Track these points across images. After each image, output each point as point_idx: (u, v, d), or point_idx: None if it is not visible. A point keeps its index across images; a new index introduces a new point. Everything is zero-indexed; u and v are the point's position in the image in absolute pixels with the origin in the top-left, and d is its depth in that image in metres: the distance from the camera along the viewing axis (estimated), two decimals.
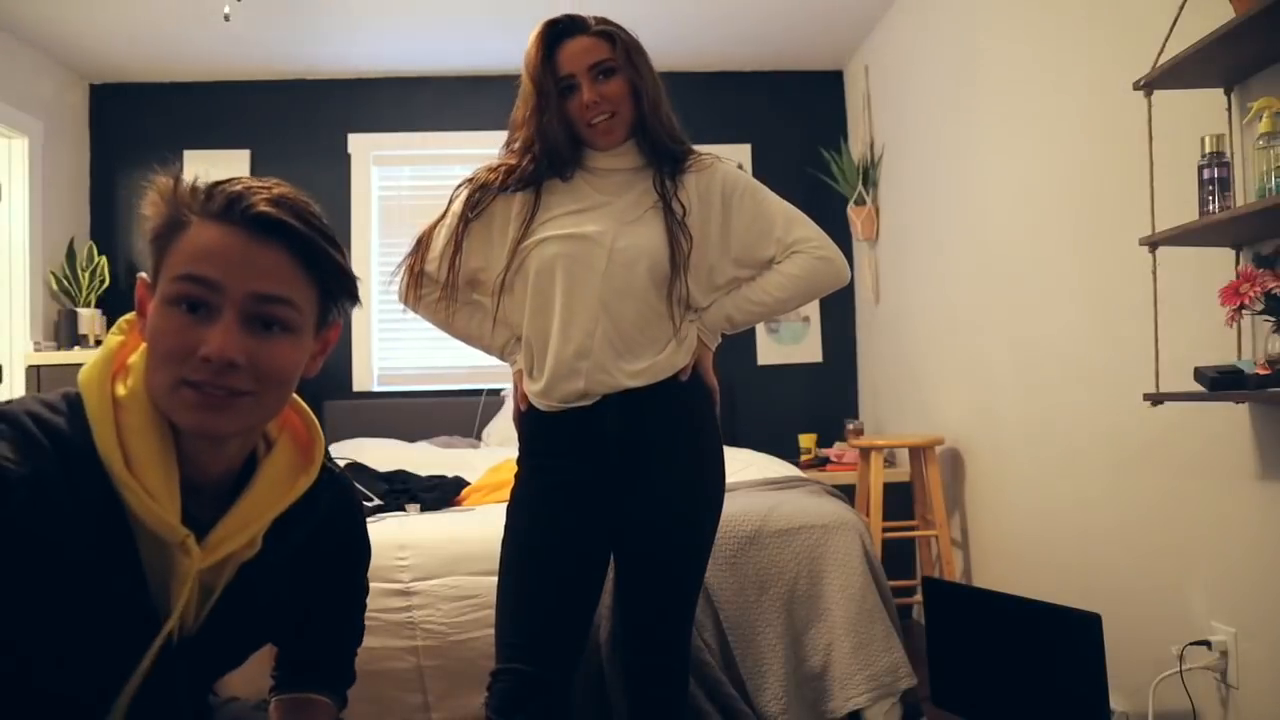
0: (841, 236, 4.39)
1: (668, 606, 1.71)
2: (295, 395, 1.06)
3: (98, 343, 3.94)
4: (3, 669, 0.90)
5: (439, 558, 2.24)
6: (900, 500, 3.57)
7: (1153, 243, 1.89)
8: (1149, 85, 1.89)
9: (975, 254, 3.15)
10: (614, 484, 1.63)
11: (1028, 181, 2.77)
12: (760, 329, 4.40)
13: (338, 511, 1.15)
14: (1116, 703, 2.16)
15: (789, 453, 3.90)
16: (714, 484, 1.70)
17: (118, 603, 0.92)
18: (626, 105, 1.62)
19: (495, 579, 1.67)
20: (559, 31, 1.62)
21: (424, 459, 3.33)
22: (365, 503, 2.51)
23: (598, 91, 1.60)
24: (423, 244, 1.72)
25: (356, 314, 4.32)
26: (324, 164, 4.40)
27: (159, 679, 0.98)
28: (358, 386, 4.34)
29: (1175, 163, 1.92)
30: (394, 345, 4.44)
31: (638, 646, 1.74)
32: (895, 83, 3.87)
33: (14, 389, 3.77)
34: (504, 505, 1.72)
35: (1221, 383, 1.72)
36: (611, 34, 1.63)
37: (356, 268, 3.93)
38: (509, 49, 4.06)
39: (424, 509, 2.58)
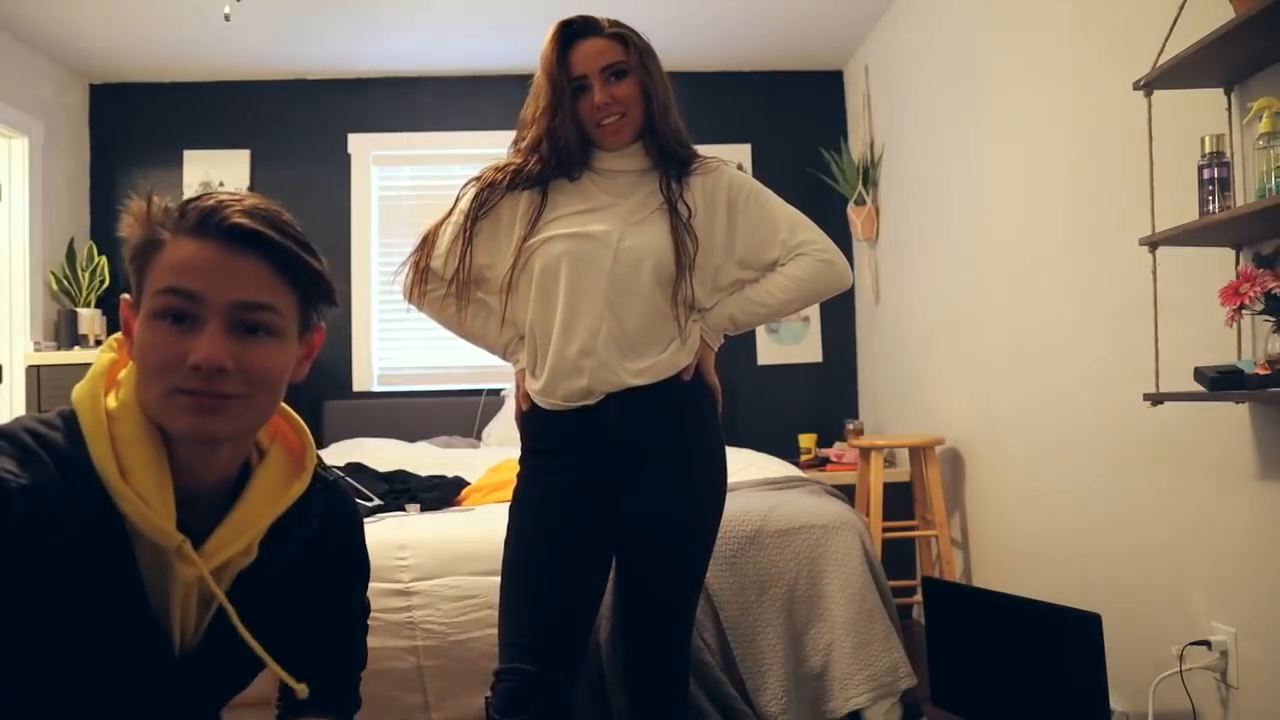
0: (841, 236, 4.39)
1: (669, 606, 1.71)
2: (287, 406, 1.09)
3: (98, 343, 3.95)
4: (4, 680, 0.90)
5: (439, 558, 2.24)
6: (900, 500, 3.57)
7: (1153, 243, 1.89)
8: (1149, 85, 1.89)
9: (975, 254, 3.15)
10: (616, 484, 1.63)
11: (1028, 181, 2.77)
12: (760, 329, 4.40)
13: (336, 520, 1.15)
14: (1116, 703, 2.16)
15: (789, 453, 3.90)
16: (716, 484, 1.70)
17: (118, 613, 0.93)
18: (637, 107, 1.64)
19: (495, 579, 1.67)
20: (573, 32, 1.63)
21: (424, 459, 3.33)
22: (365, 503, 2.52)
23: (609, 93, 1.61)
24: (428, 241, 1.73)
25: (357, 314, 4.34)
26: (324, 164, 4.40)
27: (161, 692, 0.98)
28: (358, 386, 4.34)
29: (1175, 163, 1.92)
30: (394, 345, 4.44)
31: (638, 646, 1.74)
32: (895, 83, 3.87)
33: (14, 389, 3.78)
34: (504, 505, 1.72)
35: (1221, 383, 1.72)
36: (625, 36, 1.64)
37: (356, 268, 3.93)
38: (509, 49, 4.09)
39: (424, 509, 2.58)
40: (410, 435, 3.91)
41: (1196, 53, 1.71)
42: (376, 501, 2.57)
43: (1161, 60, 1.83)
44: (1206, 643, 1.96)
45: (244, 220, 0.94)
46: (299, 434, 1.10)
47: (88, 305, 4.04)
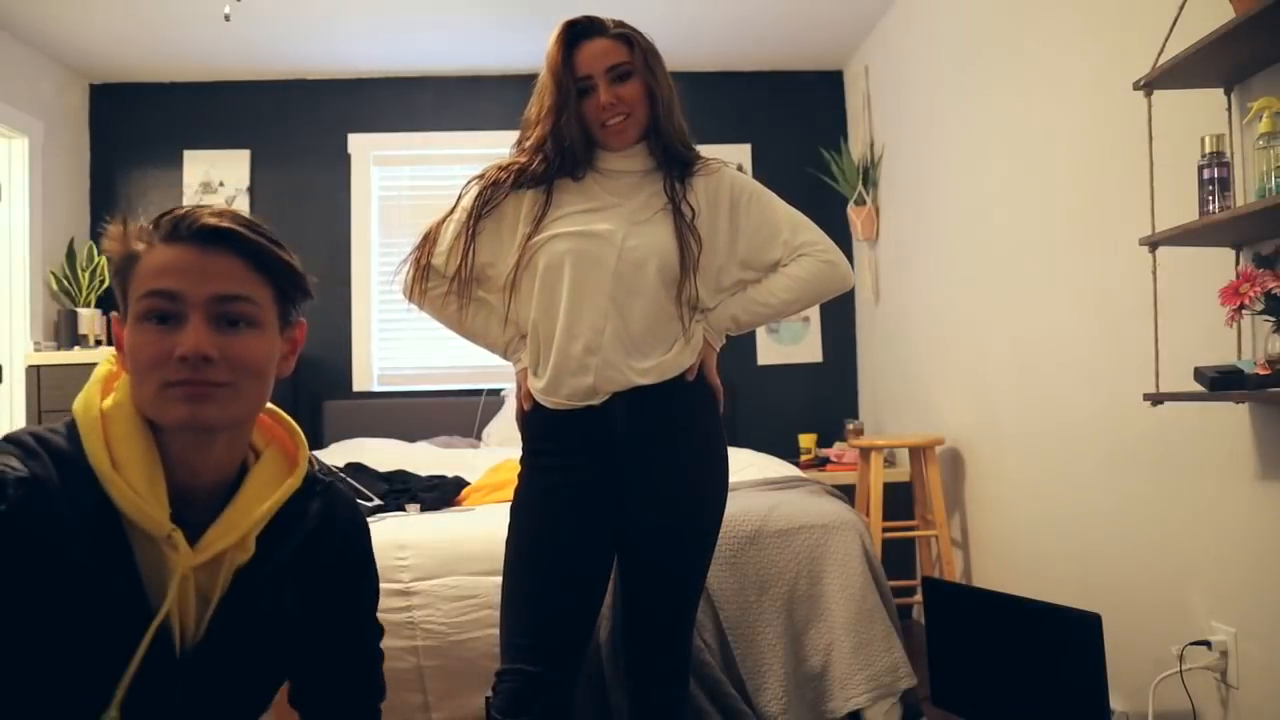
0: (841, 236, 4.39)
1: (670, 606, 1.71)
2: (282, 411, 1.14)
3: (98, 343, 3.95)
4: (4, 676, 0.92)
5: (439, 558, 2.24)
6: (900, 500, 3.57)
7: (1153, 243, 1.89)
8: (1149, 85, 1.89)
9: (975, 254, 3.15)
10: (618, 484, 1.63)
11: (1027, 181, 2.77)
12: (760, 329, 4.40)
13: (336, 523, 1.16)
14: (1116, 703, 2.16)
15: (789, 453, 3.90)
16: (718, 484, 1.70)
17: (116, 604, 0.95)
18: (641, 108, 1.64)
19: (495, 579, 1.67)
20: (578, 32, 1.63)
21: (424, 459, 3.33)
22: (365, 503, 2.52)
23: (614, 93, 1.61)
24: (429, 239, 1.72)
25: (357, 314, 4.34)
26: (324, 164, 4.40)
27: (162, 691, 0.99)
28: (358, 386, 4.34)
29: (1175, 163, 1.92)
30: (394, 345, 4.44)
31: (639, 646, 1.74)
32: (895, 83, 3.87)
33: (14, 389, 3.77)
34: (504, 505, 1.72)
35: (1221, 383, 1.72)
36: (630, 37, 1.64)
37: (356, 268, 3.93)
38: (509, 49, 4.09)
39: (424, 509, 2.58)
40: (410, 435, 3.91)
41: (1196, 53, 1.71)
42: (376, 501, 2.57)
43: (1161, 60, 1.83)
44: (1206, 643, 1.96)
45: (214, 220, 1.00)
46: (293, 436, 1.14)
47: (88, 305, 4.04)
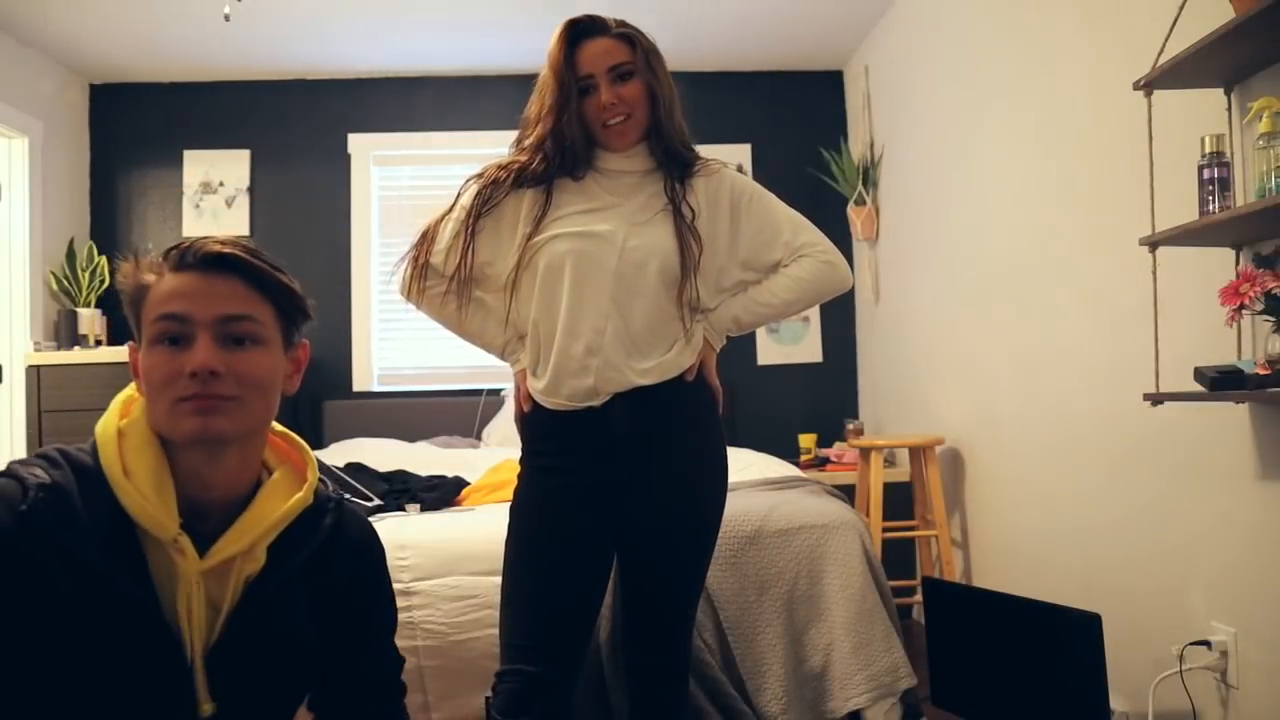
0: (841, 236, 4.39)
1: (670, 606, 1.71)
2: (292, 433, 1.21)
3: (98, 343, 3.96)
4: (17, 672, 0.96)
5: (439, 558, 2.24)
6: (900, 500, 3.57)
7: (1153, 243, 1.89)
8: (1149, 85, 1.89)
9: (975, 254, 3.15)
10: (618, 484, 1.63)
11: (1027, 181, 2.77)
12: (760, 329, 4.40)
13: (348, 541, 1.20)
14: (1116, 703, 2.16)
15: (789, 453, 3.90)
16: (717, 484, 1.70)
17: (127, 606, 1.00)
18: (642, 108, 1.64)
19: (495, 579, 1.67)
20: (580, 31, 1.63)
21: (424, 459, 3.33)
22: (365, 503, 2.52)
23: (615, 93, 1.61)
24: (428, 237, 1.72)
25: (357, 314, 4.34)
26: (324, 164, 4.40)
27: (174, 698, 1.02)
28: (358, 386, 4.34)
29: (1175, 163, 1.92)
30: (394, 345, 4.44)
31: (639, 646, 1.74)
32: (895, 83, 3.87)
33: (14, 389, 3.77)
34: (504, 505, 1.72)
35: (1221, 383, 1.72)
36: (632, 37, 1.64)
37: (356, 268, 3.94)
38: (509, 49, 4.09)
39: (424, 509, 2.58)
40: (410, 435, 3.91)
41: (1196, 53, 1.71)
42: (376, 501, 2.57)
43: (1161, 60, 1.83)
44: (1206, 643, 1.96)
45: (218, 247, 1.07)
46: (301, 453, 1.20)
47: (88, 305, 4.04)
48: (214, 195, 4.34)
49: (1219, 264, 1.88)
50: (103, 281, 4.09)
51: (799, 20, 3.95)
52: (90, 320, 3.98)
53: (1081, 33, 2.43)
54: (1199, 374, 1.77)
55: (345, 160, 4.42)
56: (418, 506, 2.59)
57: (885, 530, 3.26)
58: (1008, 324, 2.93)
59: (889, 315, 4.02)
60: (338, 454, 3.37)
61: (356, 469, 2.92)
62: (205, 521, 1.05)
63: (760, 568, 2.26)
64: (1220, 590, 1.98)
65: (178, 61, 4.17)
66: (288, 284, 1.12)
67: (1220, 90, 1.87)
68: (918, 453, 3.41)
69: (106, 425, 1.07)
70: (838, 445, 4.07)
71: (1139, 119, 1.97)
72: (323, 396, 4.21)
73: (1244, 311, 1.69)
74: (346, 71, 4.37)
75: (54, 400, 3.68)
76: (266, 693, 1.12)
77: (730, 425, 4.21)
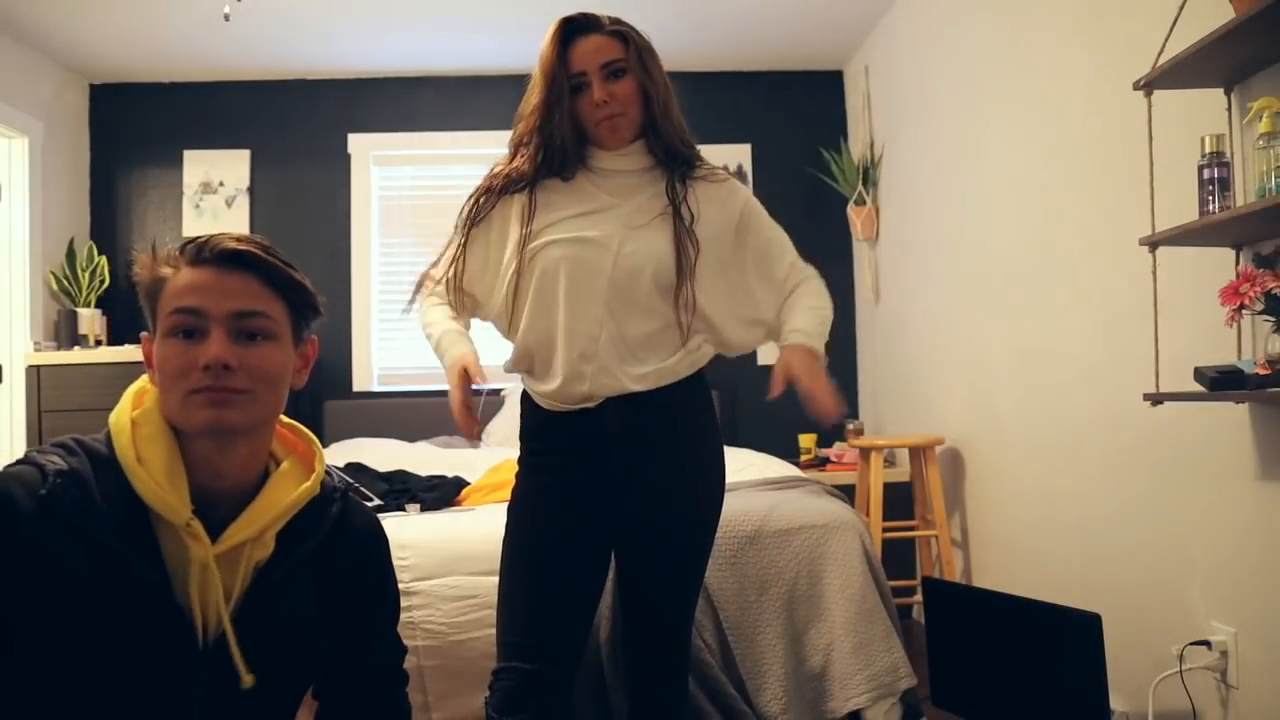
0: (841, 236, 4.39)
1: (668, 606, 1.71)
2: (299, 424, 1.24)
3: (98, 343, 3.96)
4: (33, 652, 1.00)
5: (439, 558, 2.24)
6: (900, 500, 3.56)
7: (1153, 243, 1.89)
8: (1149, 85, 1.89)
9: (975, 253, 3.15)
10: (615, 483, 1.63)
11: (1028, 181, 2.77)
12: None
13: (353, 530, 1.23)
14: (1116, 703, 2.16)
15: (789, 453, 3.89)
16: (714, 483, 1.70)
17: (141, 590, 1.03)
18: (635, 106, 1.63)
19: (495, 579, 1.67)
20: (574, 28, 1.63)
21: (424, 459, 3.33)
22: (365, 503, 2.51)
23: (607, 91, 1.60)
24: (440, 257, 1.76)
25: (357, 314, 4.34)
26: (324, 164, 4.40)
27: (185, 681, 1.05)
28: (358, 386, 4.34)
29: (1175, 163, 1.92)
30: (394, 345, 4.44)
31: (638, 646, 1.74)
32: (895, 83, 3.87)
33: (14, 389, 3.77)
34: (504, 505, 1.72)
35: (1221, 383, 1.72)
36: (625, 34, 1.63)
37: (356, 268, 3.93)
38: (509, 49, 4.09)
39: (424, 509, 2.58)
40: (410, 435, 3.91)
41: (1196, 53, 1.71)
42: (376, 501, 2.57)
43: (1161, 60, 1.83)
44: (1206, 643, 1.96)
45: (233, 244, 1.10)
46: (309, 444, 1.24)
47: (88, 305, 4.04)
48: (214, 195, 4.35)
49: (1219, 264, 1.88)
50: (103, 281, 4.09)
51: (799, 20, 3.95)
52: (90, 320, 3.99)
53: (1081, 33, 2.43)
54: (1199, 374, 1.77)
55: (345, 160, 4.42)
56: (418, 506, 2.59)
57: (885, 530, 3.25)
58: (1008, 324, 2.93)
59: (889, 315, 4.02)
60: (338, 454, 3.37)
61: (356, 469, 2.92)
62: (216, 510, 1.09)
63: (760, 568, 2.26)
64: (1220, 590, 1.98)
65: (178, 61, 4.17)
66: (300, 281, 1.15)
67: (1220, 90, 1.87)
68: (918, 453, 3.41)
69: (120, 415, 1.10)
70: (838, 445, 4.07)
71: (1139, 119, 1.97)
72: (323, 396, 4.21)
73: (1244, 311, 1.69)
74: (346, 71, 4.37)
75: (54, 400, 3.68)
76: (273, 679, 1.14)
77: (730, 425, 4.22)
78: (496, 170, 1.69)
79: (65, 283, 4.01)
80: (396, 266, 4.45)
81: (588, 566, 1.66)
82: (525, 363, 1.67)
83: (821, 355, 1.66)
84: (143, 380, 1.16)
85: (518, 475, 1.70)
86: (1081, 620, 2.04)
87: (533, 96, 1.64)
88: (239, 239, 1.11)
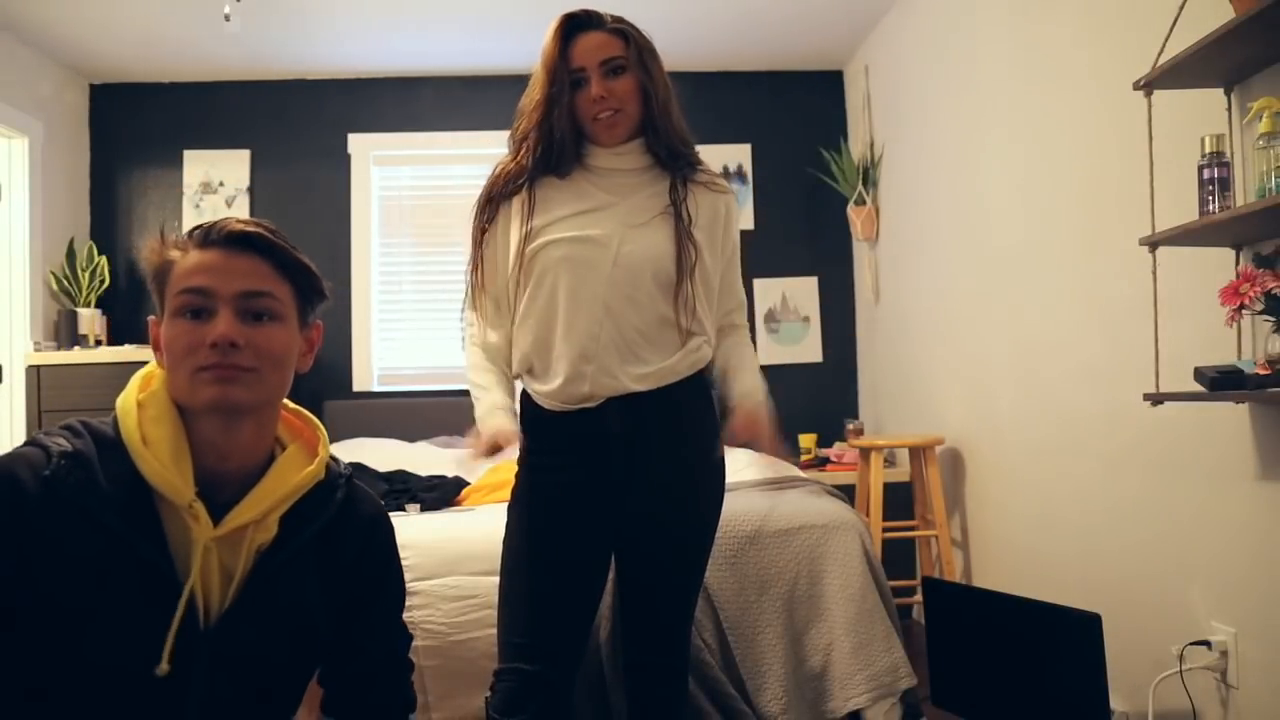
0: (841, 236, 4.39)
1: (668, 606, 1.71)
2: (304, 409, 1.26)
3: (98, 343, 3.96)
4: (36, 628, 1.01)
5: (439, 558, 2.24)
6: (900, 500, 3.57)
7: (1153, 243, 1.89)
8: (1149, 85, 1.89)
9: (975, 254, 3.15)
10: (615, 483, 1.63)
11: (1028, 181, 2.77)
12: (760, 328, 4.41)
13: (358, 517, 1.25)
14: (1116, 703, 2.16)
15: (789, 453, 3.90)
16: (714, 484, 1.70)
17: (143, 570, 1.05)
18: (633, 104, 1.63)
19: (495, 579, 1.67)
20: (575, 25, 1.63)
21: (424, 459, 3.33)
22: None
23: (606, 87, 1.60)
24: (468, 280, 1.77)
25: (357, 314, 4.34)
26: (324, 164, 4.40)
27: (186, 662, 1.06)
28: (358, 386, 4.34)
29: (1175, 163, 1.92)
30: (394, 345, 4.44)
31: (638, 646, 1.74)
32: (895, 83, 3.87)
33: (14, 389, 3.77)
34: (504, 505, 1.72)
35: (1221, 383, 1.72)
36: (626, 33, 1.64)
37: (356, 268, 3.94)
38: (509, 49, 4.09)
39: (424, 509, 2.58)
40: (410, 435, 3.91)
41: (1196, 53, 1.71)
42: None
43: (1161, 60, 1.83)
44: (1206, 643, 1.96)
45: (240, 227, 1.12)
46: (314, 429, 1.26)
47: (88, 305, 4.04)
48: (214, 195, 4.35)
49: (1219, 264, 1.88)
50: (103, 281, 4.09)
51: (799, 20, 3.95)
52: (90, 320, 3.98)
53: (1082, 33, 2.43)
54: (1199, 374, 1.77)
55: (345, 160, 4.42)
56: (418, 506, 2.59)
57: (885, 530, 3.26)
58: (1008, 323, 2.93)
59: (889, 315, 4.02)
60: (338, 454, 3.36)
61: (356, 469, 2.91)
62: (221, 492, 1.10)
63: (760, 568, 2.26)
64: (1220, 590, 1.98)
65: (178, 61, 4.17)
66: (306, 264, 1.17)
67: (1220, 90, 1.88)
68: (918, 453, 3.41)
69: (126, 398, 1.12)
70: (838, 445, 4.07)
71: (1139, 119, 1.97)
72: (323, 396, 4.21)
73: (1244, 311, 1.69)
74: (346, 71, 4.37)
75: (54, 400, 3.68)
76: (276, 661, 1.15)
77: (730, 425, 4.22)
78: (496, 173, 1.69)
79: (65, 283, 4.01)
80: (396, 266, 4.45)
81: (588, 567, 1.66)
82: (526, 364, 1.67)
83: (771, 411, 1.74)
84: (150, 366, 1.17)
85: (518, 475, 1.70)
86: (1081, 620, 2.04)
87: (534, 92, 1.64)
88: (246, 222, 1.13)
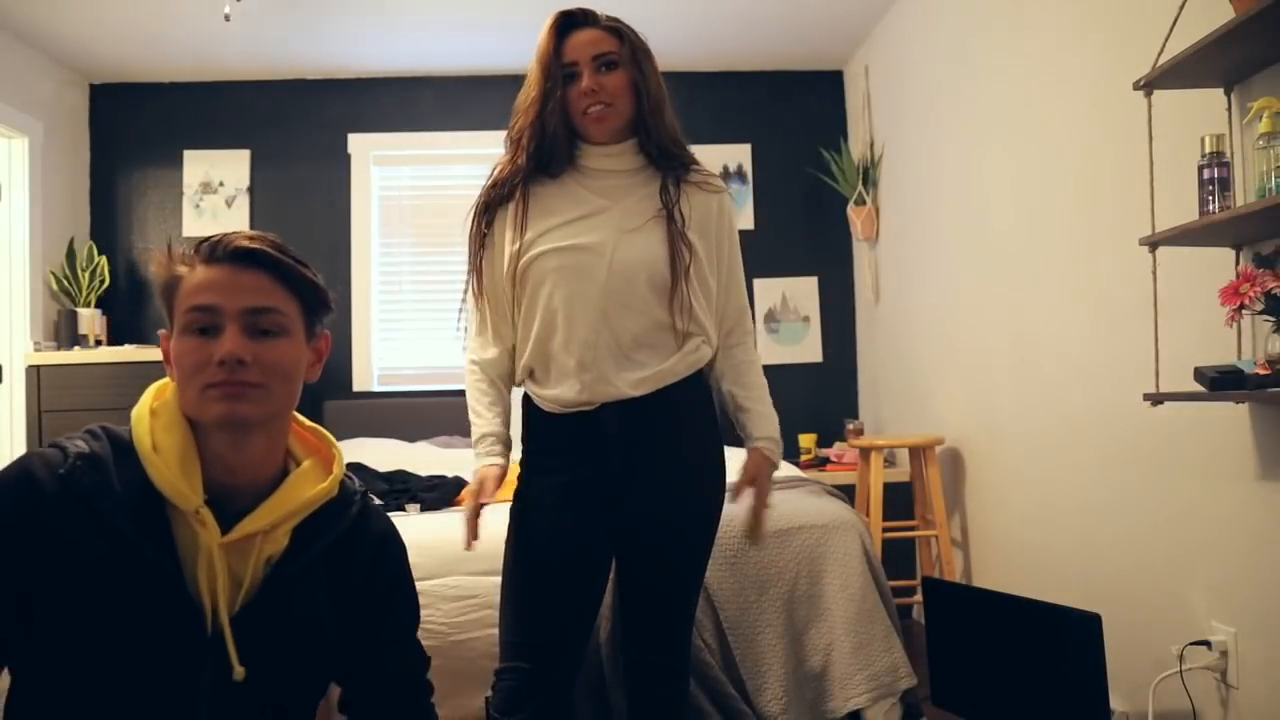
0: (841, 236, 4.39)
1: (668, 606, 1.71)
2: (320, 427, 1.27)
3: (98, 343, 3.96)
4: (45, 629, 1.03)
5: (439, 558, 2.24)
6: (900, 500, 3.57)
7: (1153, 243, 1.89)
8: (1149, 85, 1.89)
9: (975, 254, 3.15)
10: (615, 484, 1.63)
11: (1028, 181, 2.77)
12: (760, 328, 4.41)
13: (369, 533, 1.25)
14: (1116, 703, 2.16)
15: (789, 453, 3.84)
16: (714, 484, 1.70)
17: (151, 574, 1.06)
18: (624, 100, 1.62)
19: (495, 579, 1.67)
20: (570, 22, 1.64)
21: (424, 459, 3.33)
22: None
23: (597, 80, 1.60)
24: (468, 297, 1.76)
25: (357, 314, 4.34)
26: (324, 164, 4.40)
27: (193, 667, 1.07)
28: (358, 386, 4.34)
29: (1175, 163, 1.92)
30: (394, 345, 4.44)
31: (638, 646, 1.74)
32: (895, 83, 3.87)
33: (14, 389, 3.77)
34: (505, 505, 1.72)
35: (1221, 383, 1.72)
36: (620, 30, 1.64)
37: (356, 268, 3.95)
38: (509, 49, 4.09)
39: (424, 509, 2.58)
40: (410, 435, 3.91)
41: (1196, 53, 1.71)
42: (376, 502, 2.57)
43: (1161, 60, 1.83)
44: (1206, 643, 1.96)
45: (246, 243, 1.13)
46: (331, 448, 1.27)
47: (88, 305, 4.04)
48: (214, 195, 4.35)
49: (1219, 264, 1.88)
50: (103, 282, 4.09)
51: (799, 20, 3.95)
52: (90, 320, 3.98)
53: (1081, 33, 2.43)
54: (1199, 374, 1.77)
55: (345, 160, 4.42)
56: (418, 506, 2.59)
57: (885, 530, 3.26)
58: (1007, 324, 2.93)
59: (889, 315, 4.02)
60: None
61: (356, 469, 2.92)
62: (234, 503, 1.12)
63: (760, 568, 2.27)
64: (1220, 590, 1.98)
65: (178, 61, 4.17)
66: (311, 278, 1.19)
67: (1220, 90, 1.88)
68: (918, 453, 3.41)
69: (141, 406, 1.14)
70: (838, 445, 4.07)
71: (1139, 119, 1.97)
72: (323, 396, 4.21)
73: (1244, 311, 1.69)
74: (346, 71, 4.37)
75: (54, 400, 3.68)
76: (285, 674, 1.15)
77: (730, 425, 4.22)
78: (489, 181, 1.69)
79: (65, 283, 4.01)
80: (396, 266, 4.45)
81: (589, 567, 1.66)
82: (526, 371, 1.68)
83: (777, 466, 1.73)
84: (165, 379, 1.19)
85: (519, 477, 1.70)
86: (1081, 620, 2.04)
87: (529, 89, 1.65)
88: (252, 237, 1.14)
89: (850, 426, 4.05)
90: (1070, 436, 2.56)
